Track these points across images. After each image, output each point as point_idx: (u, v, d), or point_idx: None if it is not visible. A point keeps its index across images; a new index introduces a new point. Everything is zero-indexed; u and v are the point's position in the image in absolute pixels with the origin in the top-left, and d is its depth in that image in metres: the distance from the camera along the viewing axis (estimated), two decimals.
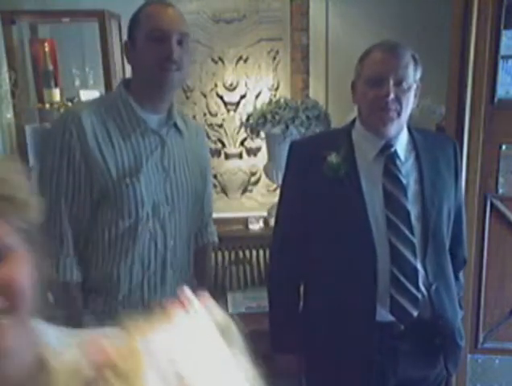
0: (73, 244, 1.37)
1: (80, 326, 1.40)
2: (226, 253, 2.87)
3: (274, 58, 2.93)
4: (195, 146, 1.55)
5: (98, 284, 1.41)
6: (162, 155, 1.41)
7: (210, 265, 1.75)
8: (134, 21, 1.38)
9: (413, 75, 1.37)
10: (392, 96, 1.34)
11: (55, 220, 1.34)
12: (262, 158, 2.96)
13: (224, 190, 3.08)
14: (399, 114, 1.37)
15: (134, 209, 1.35)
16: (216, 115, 2.99)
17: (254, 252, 2.82)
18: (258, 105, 2.79)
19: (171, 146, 1.44)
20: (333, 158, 1.40)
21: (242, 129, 2.87)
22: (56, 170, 1.33)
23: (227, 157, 3.04)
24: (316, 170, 1.41)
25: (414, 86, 1.39)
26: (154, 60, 1.32)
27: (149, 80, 1.36)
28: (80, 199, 1.34)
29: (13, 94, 2.38)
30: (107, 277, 1.39)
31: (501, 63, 2.03)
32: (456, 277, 1.54)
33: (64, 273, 1.37)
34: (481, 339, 2.27)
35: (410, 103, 1.38)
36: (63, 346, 0.69)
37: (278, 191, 2.83)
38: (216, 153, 3.05)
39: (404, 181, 1.40)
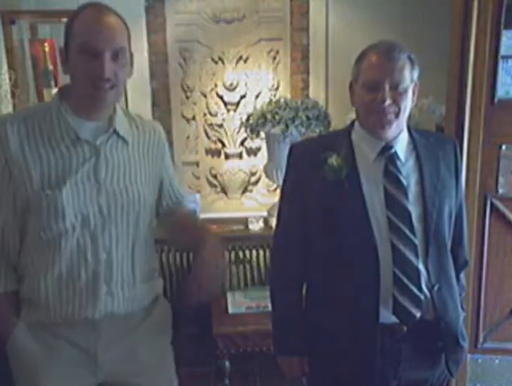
0: (1, 253, 1.36)
1: (8, 339, 1.38)
2: (226, 253, 2.87)
3: (274, 58, 2.93)
4: (144, 151, 1.45)
5: (30, 295, 1.37)
6: (95, 166, 1.34)
7: (203, 224, 1.68)
8: (68, 28, 1.28)
9: (409, 77, 1.37)
10: (388, 100, 1.34)
11: None
12: (262, 158, 2.96)
13: (224, 190, 3.09)
14: (397, 116, 1.37)
15: (53, 221, 1.30)
16: (216, 115, 2.99)
17: (254, 252, 2.82)
18: (258, 105, 2.79)
19: (109, 156, 1.36)
20: (334, 159, 1.40)
21: (242, 129, 2.87)
22: None
23: (227, 157, 3.05)
24: (316, 173, 1.41)
25: (412, 86, 1.39)
26: (86, 77, 1.26)
27: (82, 95, 1.31)
28: (7, 207, 1.33)
29: (13, 94, 2.38)
30: (36, 287, 1.35)
31: (501, 63, 2.03)
32: (458, 278, 1.54)
33: None
34: (481, 339, 2.27)
35: (408, 104, 1.38)
36: None
37: (278, 191, 2.84)
38: (216, 153, 3.05)
39: (405, 182, 1.39)
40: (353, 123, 1.49)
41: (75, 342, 1.37)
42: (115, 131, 1.37)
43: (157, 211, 1.55)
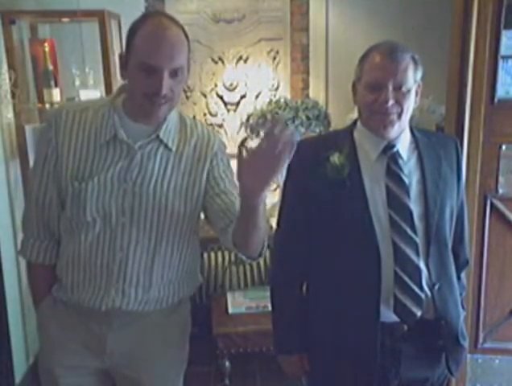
0: (44, 228, 1.43)
1: (37, 310, 1.51)
2: (226, 253, 2.87)
3: (274, 58, 2.93)
4: (188, 160, 1.41)
5: (58, 272, 1.44)
6: (128, 167, 1.35)
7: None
8: (130, 37, 1.28)
9: (413, 77, 1.37)
10: (391, 101, 1.34)
11: (29, 203, 1.43)
12: None
13: None
14: (400, 116, 1.37)
15: (76, 212, 1.35)
16: (216, 115, 2.99)
17: None
18: (258, 105, 2.79)
19: (145, 159, 1.36)
20: (336, 158, 1.40)
21: (242, 129, 2.87)
22: (38, 160, 1.40)
23: None
24: (318, 172, 1.41)
25: (415, 87, 1.39)
26: (143, 92, 1.27)
27: (136, 105, 1.33)
28: (53, 188, 1.39)
29: (13, 94, 2.38)
30: (60, 267, 1.43)
31: (501, 63, 2.04)
32: (459, 278, 1.54)
33: (30, 253, 1.45)
34: (480, 339, 2.27)
35: (411, 105, 1.38)
36: None
37: (278, 191, 2.84)
38: None
39: (406, 180, 1.40)
40: (355, 122, 1.49)
41: (89, 327, 1.42)
42: (158, 137, 1.37)
43: (214, 225, 1.45)
